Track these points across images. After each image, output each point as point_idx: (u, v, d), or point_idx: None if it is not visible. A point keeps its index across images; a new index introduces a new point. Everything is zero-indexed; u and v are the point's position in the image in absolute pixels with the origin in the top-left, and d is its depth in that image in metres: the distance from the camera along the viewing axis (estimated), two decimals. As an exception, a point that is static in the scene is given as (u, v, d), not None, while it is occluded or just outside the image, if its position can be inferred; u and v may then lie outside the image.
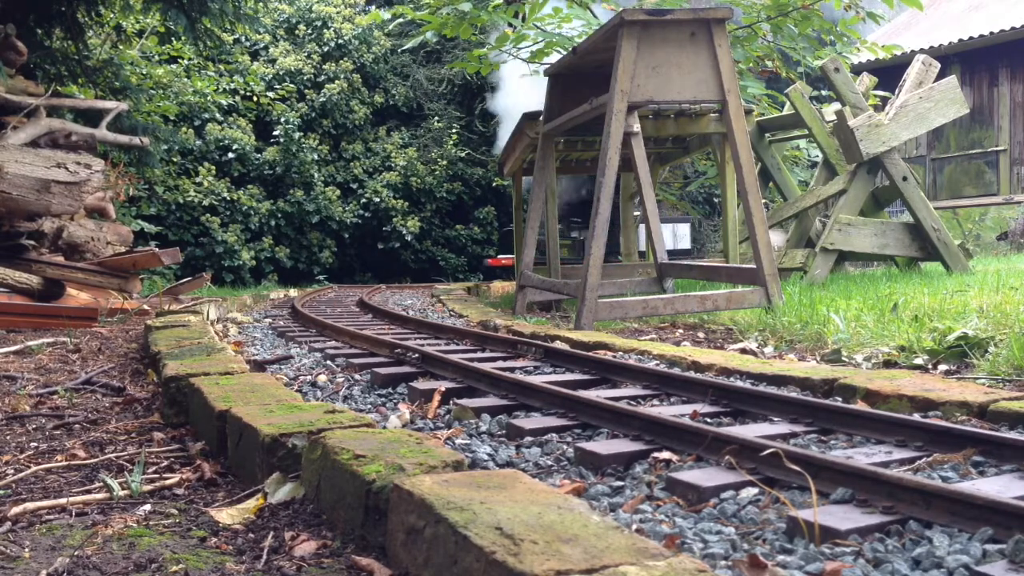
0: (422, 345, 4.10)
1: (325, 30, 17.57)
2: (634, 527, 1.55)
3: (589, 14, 8.79)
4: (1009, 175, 15.36)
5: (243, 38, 16.23)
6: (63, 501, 1.87)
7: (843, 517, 1.54)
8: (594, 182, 14.93)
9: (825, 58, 7.76)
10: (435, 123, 18.45)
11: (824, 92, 11.81)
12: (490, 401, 2.79)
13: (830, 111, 8.12)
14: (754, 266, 5.11)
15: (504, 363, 3.68)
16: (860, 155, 6.94)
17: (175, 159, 13.77)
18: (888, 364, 3.34)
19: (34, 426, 2.71)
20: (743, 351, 3.87)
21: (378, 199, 16.76)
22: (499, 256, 17.96)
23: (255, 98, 15.94)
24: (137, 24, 11.94)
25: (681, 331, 4.92)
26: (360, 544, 1.54)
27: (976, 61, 15.68)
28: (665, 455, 2.03)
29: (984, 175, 15.68)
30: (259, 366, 3.68)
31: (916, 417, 2.17)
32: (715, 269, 6.11)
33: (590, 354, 3.55)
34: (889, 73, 10.23)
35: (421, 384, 3.13)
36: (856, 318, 4.13)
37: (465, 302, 8.04)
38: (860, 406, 2.37)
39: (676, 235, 21.04)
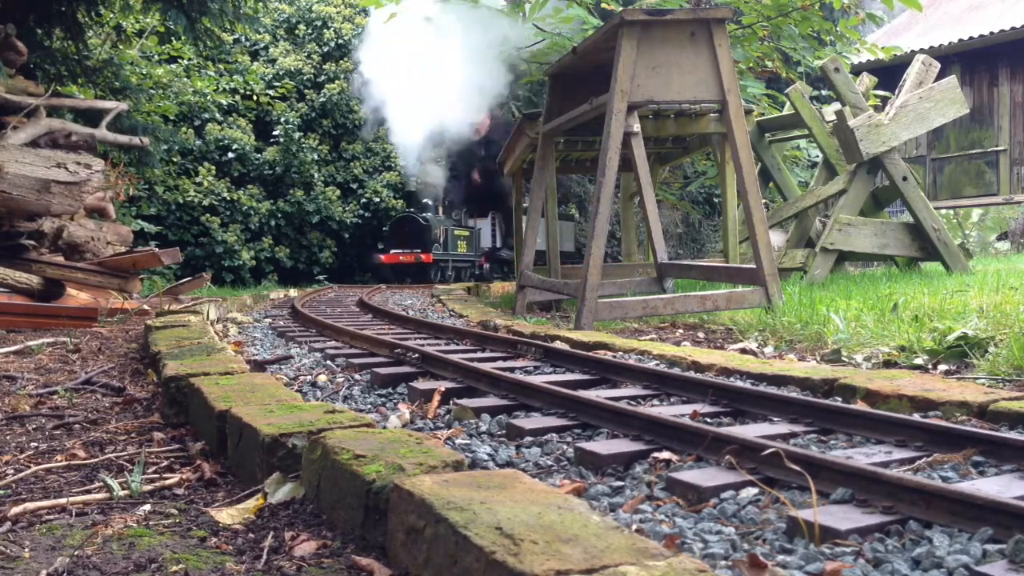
0: (422, 345, 4.10)
1: (325, 30, 17.56)
2: (634, 527, 1.55)
3: (586, 12, 8.78)
4: (1009, 175, 15.36)
5: (243, 38, 16.23)
6: (63, 501, 1.87)
7: (843, 517, 1.54)
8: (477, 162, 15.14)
9: (825, 58, 7.77)
10: (435, 123, 18.44)
11: (824, 92, 11.82)
12: (490, 401, 2.79)
13: (830, 111, 8.13)
14: (754, 266, 5.11)
15: (504, 363, 3.67)
16: (860, 155, 6.94)
17: (175, 159, 13.76)
18: (888, 364, 3.34)
19: (34, 426, 2.71)
20: (743, 351, 3.87)
21: (378, 199, 16.75)
22: (394, 251, 14.56)
23: (255, 98, 15.93)
24: (137, 24, 11.94)
25: (681, 331, 4.91)
26: (360, 544, 1.54)
27: (976, 61, 15.68)
28: (665, 455, 2.03)
29: (984, 175, 15.68)
30: (259, 366, 3.68)
31: (916, 417, 2.17)
32: (715, 269, 6.11)
33: (590, 354, 3.54)
34: (889, 73, 10.25)
35: (421, 384, 3.13)
36: (856, 318, 4.13)
37: (465, 302, 8.04)
38: (860, 406, 2.37)
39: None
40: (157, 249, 7.99)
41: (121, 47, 10.95)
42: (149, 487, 2.00)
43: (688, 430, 2.08)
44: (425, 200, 15.27)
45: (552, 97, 6.34)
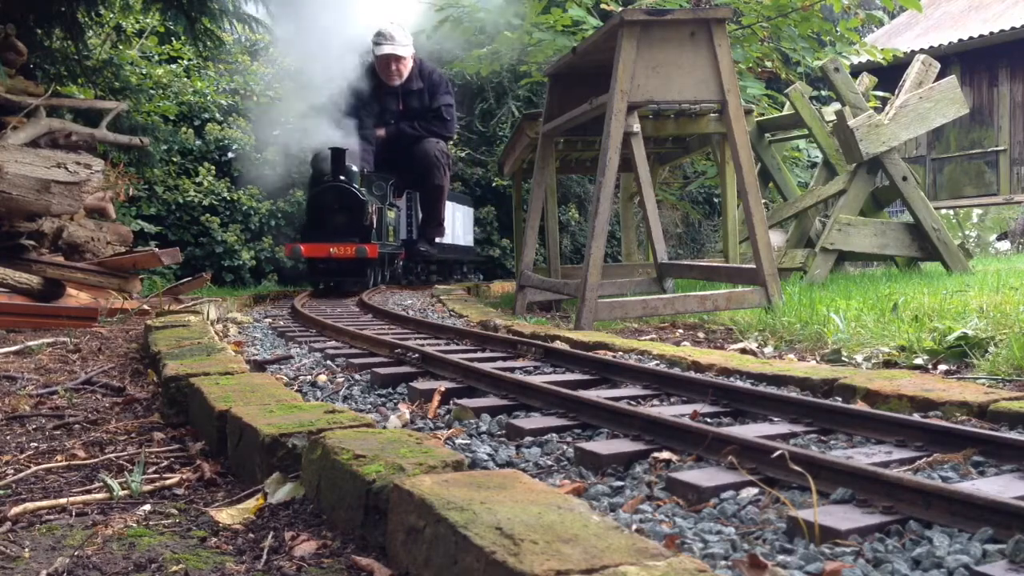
0: (422, 345, 4.10)
1: (325, 30, 17.54)
2: (634, 527, 1.55)
3: (585, 12, 8.79)
4: (1009, 175, 15.36)
5: (243, 38, 16.23)
6: (63, 501, 1.87)
7: (843, 517, 1.54)
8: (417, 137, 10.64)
9: (825, 59, 7.77)
10: (435, 123, 18.36)
11: (824, 92, 11.82)
12: (490, 401, 2.79)
13: (830, 111, 8.13)
14: (754, 266, 5.11)
15: (504, 363, 3.67)
16: (860, 155, 6.94)
17: (175, 159, 13.77)
18: (888, 364, 3.34)
19: (34, 426, 2.71)
20: (743, 351, 3.87)
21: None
22: (319, 240, 9.16)
23: (255, 98, 15.94)
24: (137, 24, 11.94)
25: (681, 331, 4.91)
26: (360, 544, 1.54)
27: (976, 61, 15.69)
28: (665, 455, 2.03)
29: (984, 175, 15.68)
30: (259, 366, 3.68)
31: (916, 417, 2.18)
32: (715, 269, 6.11)
33: (590, 354, 3.54)
34: (889, 73, 10.26)
35: (421, 384, 3.13)
36: (856, 318, 4.13)
37: (465, 302, 8.04)
38: (860, 406, 2.37)
39: (453, 223, 13.60)
40: (157, 249, 8.00)
41: (121, 47, 10.95)
42: (149, 487, 2.00)
43: (688, 430, 2.08)
44: (350, 164, 9.85)
45: (552, 97, 6.34)
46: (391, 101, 10.90)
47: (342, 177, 9.50)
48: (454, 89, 12.23)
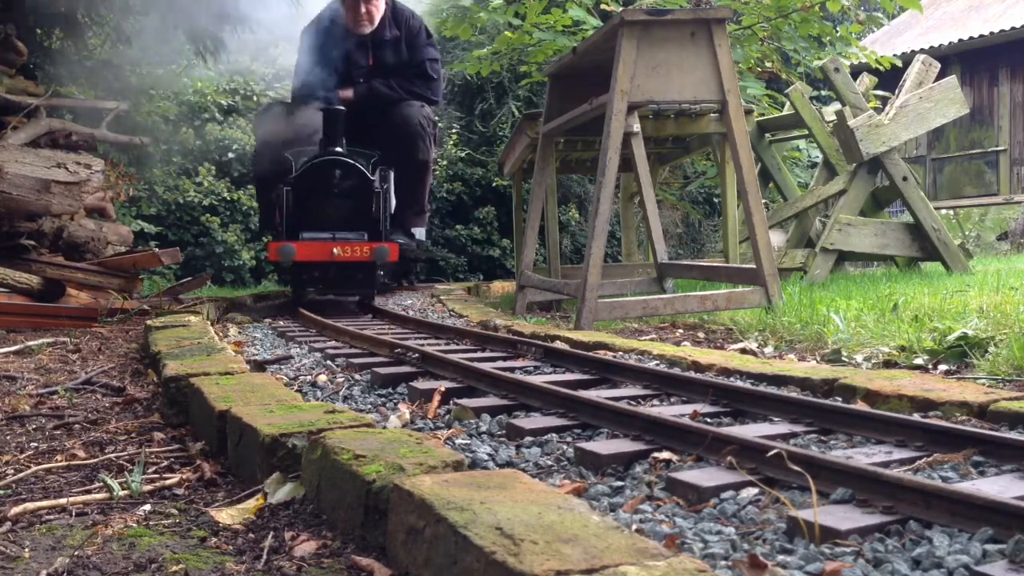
0: (422, 345, 4.10)
1: (325, 30, 17.53)
2: (634, 527, 1.55)
3: (585, 12, 8.78)
4: (1009, 175, 15.37)
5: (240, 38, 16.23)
6: (63, 501, 1.87)
7: (843, 517, 1.54)
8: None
9: (825, 59, 7.78)
10: (435, 123, 18.35)
11: (824, 92, 11.83)
12: (490, 401, 2.79)
13: (830, 111, 8.13)
14: (754, 266, 5.11)
15: (504, 363, 3.67)
16: (860, 155, 6.94)
17: (175, 159, 13.78)
18: (888, 364, 3.34)
19: (34, 426, 2.71)
20: (743, 351, 3.87)
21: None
22: (315, 235, 6.84)
23: (255, 98, 15.95)
24: (137, 25, 11.94)
25: (681, 331, 4.91)
26: (360, 544, 1.54)
27: (976, 61, 15.70)
28: (665, 455, 2.03)
29: (984, 175, 15.69)
30: (259, 366, 3.68)
31: (916, 417, 2.17)
32: (715, 269, 6.11)
33: (590, 354, 3.54)
34: (889, 73, 10.27)
35: (421, 384, 3.13)
36: (856, 318, 4.13)
37: (465, 302, 8.03)
38: (860, 406, 2.36)
39: None
40: (157, 249, 8.00)
41: (121, 48, 10.96)
42: (149, 487, 2.00)
43: (688, 430, 2.08)
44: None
45: (552, 97, 6.34)
46: (359, 54, 8.24)
47: (338, 149, 6.98)
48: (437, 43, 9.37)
